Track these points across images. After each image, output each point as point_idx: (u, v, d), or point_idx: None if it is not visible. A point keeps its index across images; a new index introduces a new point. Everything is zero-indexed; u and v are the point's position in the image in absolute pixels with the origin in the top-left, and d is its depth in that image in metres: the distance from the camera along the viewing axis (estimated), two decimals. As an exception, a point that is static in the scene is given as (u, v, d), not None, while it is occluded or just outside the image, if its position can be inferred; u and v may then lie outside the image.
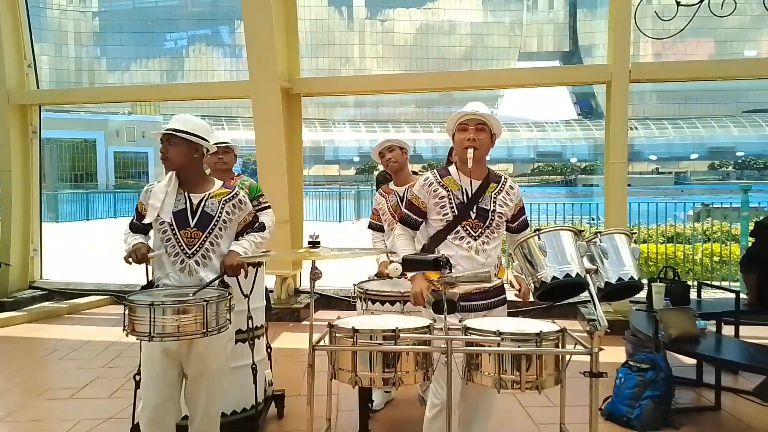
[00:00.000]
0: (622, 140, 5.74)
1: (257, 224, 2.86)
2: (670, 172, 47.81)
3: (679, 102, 54.74)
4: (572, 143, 52.86)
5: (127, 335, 2.39)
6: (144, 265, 2.68)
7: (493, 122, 2.64)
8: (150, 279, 2.72)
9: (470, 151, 2.56)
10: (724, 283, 6.80)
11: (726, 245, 7.53)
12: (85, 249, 12.82)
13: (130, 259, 2.61)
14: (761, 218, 4.77)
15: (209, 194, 2.70)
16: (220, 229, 2.68)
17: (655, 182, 36.81)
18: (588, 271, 2.28)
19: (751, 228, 4.98)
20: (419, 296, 2.58)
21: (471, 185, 2.67)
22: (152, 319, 2.31)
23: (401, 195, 3.65)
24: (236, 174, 4.00)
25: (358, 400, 3.26)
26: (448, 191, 2.66)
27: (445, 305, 2.23)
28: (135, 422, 2.84)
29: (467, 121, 2.62)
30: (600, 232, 2.47)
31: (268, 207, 3.99)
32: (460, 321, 2.35)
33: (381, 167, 3.90)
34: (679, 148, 50.36)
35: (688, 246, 7.58)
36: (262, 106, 6.22)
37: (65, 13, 58.80)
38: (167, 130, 2.62)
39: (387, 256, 3.50)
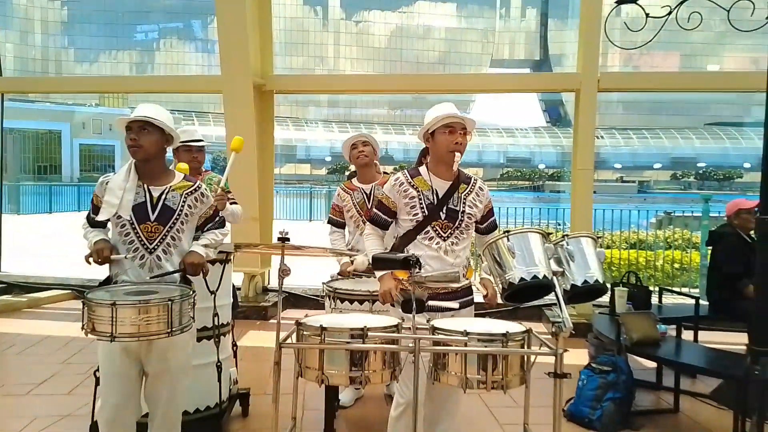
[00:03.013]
0: (589, 148, 5.86)
1: (218, 219, 2.81)
2: (634, 181, 48.87)
3: (644, 113, 56.03)
4: (541, 150, 53.70)
5: (86, 335, 2.30)
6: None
7: (470, 122, 2.67)
8: (108, 275, 2.63)
9: (458, 155, 2.59)
10: (684, 289, 6.99)
11: (686, 252, 7.73)
12: (48, 242, 12.48)
13: (91, 260, 2.52)
14: (716, 228, 4.93)
15: (170, 187, 2.62)
16: (182, 223, 2.61)
17: (620, 190, 37.55)
18: (555, 273, 2.31)
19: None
20: (387, 295, 2.58)
21: (441, 186, 2.69)
22: (114, 319, 2.22)
23: (368, 192, 3.66)
24: (204, 170, 3.96)
25: (324, 399, 3.24)
26: (418, 191, 2.68)
27: (414, 304, 2.23)
28: (94, 420, 2.78)
29: (454, 124, 2.62)
30: (567, 236, 2.52)
31: (235, 203, 3.95)
32: (427, 321, 2.35)
33: (353, 168, 3.89)
34: (643, 158, 51.59)
35: (650, 252, 7.76)
36: (234, 101, 6.15)
37: (32, 1, 57.17)
38: (142, 117, 2.54)
39: (349, 258, 3.49)
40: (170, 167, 3.45)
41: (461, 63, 63.35)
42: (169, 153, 2.87)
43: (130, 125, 2.55)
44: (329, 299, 3.30)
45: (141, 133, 2.54)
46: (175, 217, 2.59)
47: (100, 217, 2.55)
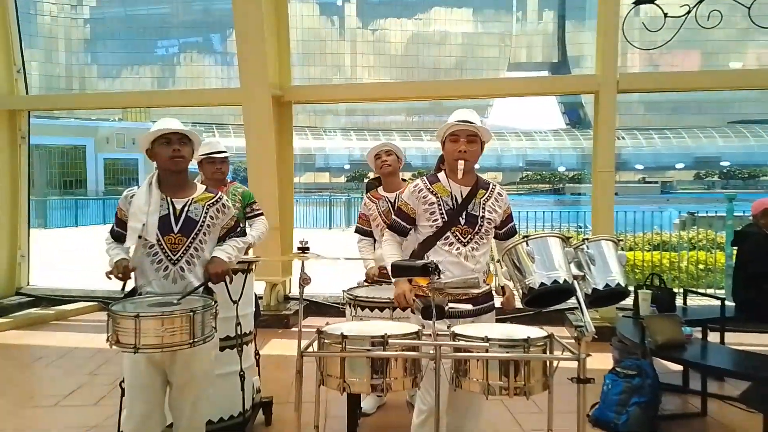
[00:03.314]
0: (609, 149, 5.80)
1: (239, 229, 2.84)
2: (657, 182, 48.25)
3: (665, 113, 55.36)
4: (560, 152, 53.30)
5: (111, 346, 2.33)
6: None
7: (483, 131, 2.66)
8: (133, 286, 2.67)
9: (461, 162, 2.59)
10: (710, 291, 6.87)
11: (711, 253, 7.60)
12: (74, 255, 12.71)
13: (112, 276, 2.55)
14: (741, 227, 4.84)
15: (192, 199, 2.66)
16: (205, 234, 2.65)
17: (642, 191, 37.11)
18: (575, 277, 2.30)
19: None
20: (401, 298, 2.58)
21: (460, 192, 2.69)
22: (137, 330, 2.25)
23: (392, 201, 3.66)
24: (229, 181, 4.02)
25: (346, 406, 3.25)
26: (437, 197, 2.68)
27: (434, 311, 2.23)
28: (120, 430, 2.82)
29: (458, 132, 2.63)
30: (587, 239, 2.50)
31: (261, 214, 4.00)
32: (448, 327, 2.35)
33: (372, 175, 3.92)
34: (666, 158, 50.91)
35: (674, 254, 7.65)
36: (253, 113, 6.22)
37: (56, 20, 58.62)
38: (181, 129, 2.60)
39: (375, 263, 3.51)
40: (196, 180, 3.53)
41: (478, 68, 63.30)
42: (193, 165, 2.93)
43: (170, 137, 2.58)
44: (350, 307, 3.32)
45: (182, 144, 2.60)
46: (197, 228, 2.63)
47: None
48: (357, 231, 3.87)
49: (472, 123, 2.63)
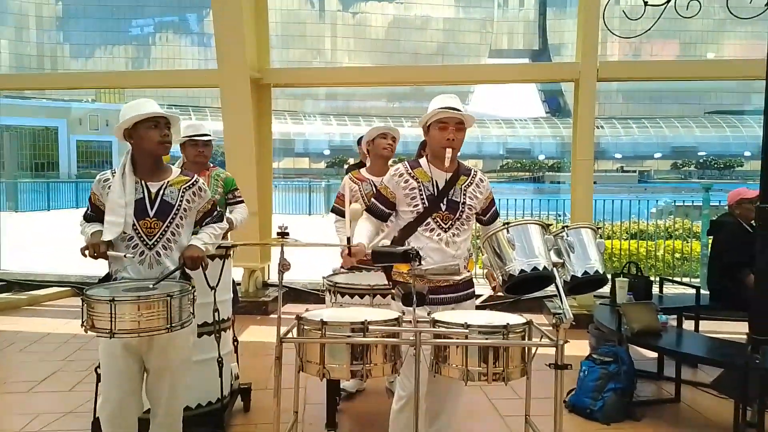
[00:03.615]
0: (589, 138, 5.84)
1: (216, 213, 2.79)
2: (635, 171, 48.85)
3: (644, 102, 55.96)
4: (540, 141, 53.59)
5: (86, 331, 2.30)
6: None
7: (468, 119, 2.64)
8: (107, 271, 2.61)
9: (449, 151, 2.57)
10: (685, 279, 6.99)
11: (687, 242, 7.73)
12: (46, 239, 12.47)
13: (87, 252, 2.49)
14: (716, 217, 4.92)
15: (168, 182, 2.60)
16: (181, 218, 2.59)
17: (620, 180, 37.56)
18: (555, 264, 2.31)
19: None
20: (347, 260, 2.58)
21: (442, 178, 2.67)
22: (113, 315, 2.22)
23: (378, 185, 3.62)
24: (211, 166, 3.95)
25: (325, 392, 3.24)
26: (418, 183, 2.66)
27: (414, 297, 2.22)
28: (96, 417, 2.77)
29: (447, 120, 2.60)
30: (567, 227, 2.51)
31: (242, 201, 3.95)
32: (428, 314, 2.35)
33: (352, 161, 3.86)
34: (644, 148, 51.50)
35: (651, 243, 7.76)
36: (231, 95, 6.12)
37: (27, -4, 56.96)
38: (167, 114, 2.54)
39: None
40: (177, 163, 3.46)
41: (459, 54, 63.15)
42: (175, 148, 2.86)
43: (158, 120, 2.52)
44: (330, 293, 3.29)
45: (168, 129, 2.56)
46: (173, 212, 2.58)
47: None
48: (333, 211, 3.79)
49: (460, 111, 2.61)
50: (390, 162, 3.82)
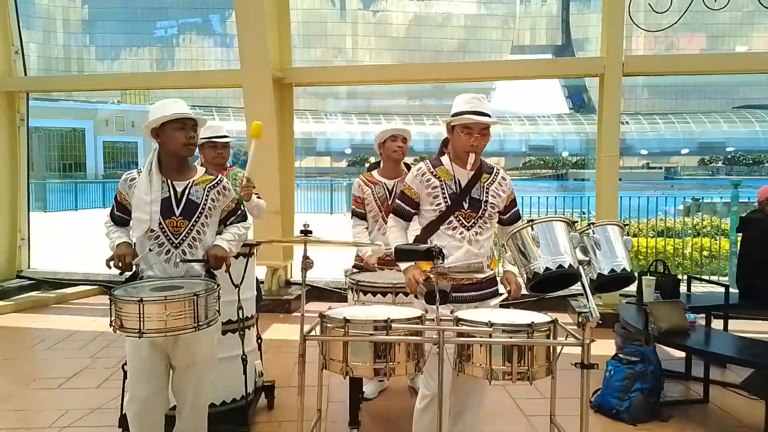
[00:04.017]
0: (614, 133, 5.75)
1: (240, 212, 2.81)
2: (661, 167, 48.02)
3: (670, 97, 54.97)
4: (564, 137, 52.93)
5: (115, 331, 2.32)
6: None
7: (494, 123, 2.62)
8: (134, 271, 2.64)
9: (472, 156, 2.56)
10: (713, 278, 6.85)
11: (715, 240, 7.57)
12: (74, 239, 12.71)
13: (112, 264, 2.52)
14: (746, 214, 4.81)
15: (193, 181, 2.63)
16: (206, 217, 2.62)
17: (646, 177, 36.96)
18: (581, 262, 2.27)
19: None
20: (413, 282, 2.55)
21: (464, 176, 2.65)
22: (141, 315, 2.24)
23: (390, 188, 3.59)
24: (229, 166, 3.98)
25: (348, 390, 3.25)
26: (441, 181, 2.65)
27: (438, 296, 2.21)
28: (123, 413, 2.81)
29: (473, 125, 2.58)
30: (593, 224, 2.47)
31: (259, 197, 3.96)
32: (451, 312, 2.33)
33: (373, 159, 3.84)
34: (670, 144, 50.57)
35: (678, 240, 7.62)
36: (254, 95, 6.16)
37: (54, 0, 58.02)
38: (194, 116, 2.57)
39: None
40: (195, 163, 3.49)
41: (481, 50, 62.70)
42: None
43: (185, 122, 2.54)
44: (352, 292, 3.30)
45: (193, 131, 2.57)
46: (199, 211, 2.61)
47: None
48: (354, 214, 3.78)
49: (489, 115, 2.58)
50: (412, 161, 3.79)
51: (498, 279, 2.73)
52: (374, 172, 3.72)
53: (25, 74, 7.35)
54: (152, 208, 2.52)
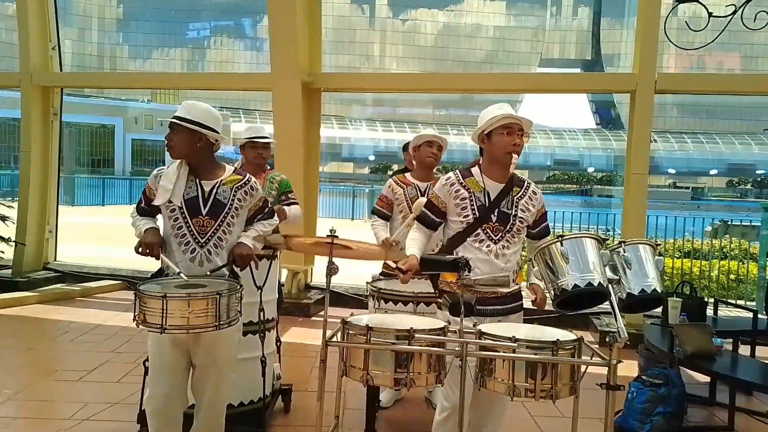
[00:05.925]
0: (644, 151, 5.67)
1: (267, 210, 2.82)
2: (688, 187, 47.24)
3: (700, 116, 54.09)
4: (590, 152, 52.39)
5: (137, 326, 2.35)
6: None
7: (527, 124, 2.61)
8: (160, 266, 2.67)
9: (514, 156, 2.55)
10: (740, 302, 6.69)
11: (743, 263, 7.41)
12: (100, 233, 12.91)
13: (140, 250, 2.56)
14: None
15: (221, 181, 2.65)
16: (233, 216, 2.64)
17: (672, 196, 36.36)
18: (610, 280, 2.23)
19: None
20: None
21: (494, 188, 2.62)
22: (164, 311, 2.27)
23: (422, 190, 3.60)
24: (268, 168, 4.03)
25: (365, 398, 3.22)
26: (470, 192, 2.62)
27: (462, 308, 2.19)
28: (142, 409, 2.83)
29: (512, 125, 2.56)
30: (624, 242, 2.42)
31: (296, 203, 3.99)
32: (474, 325, 2.30)
33: (396, 167, 3.84)
34: (698, 163, 49.75)
35: (705, 262, 7.47)
36: (283, 99, 6.20)
37: (90, -1, 59.36)
38: (173, 117, 2.59)
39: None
40: (236, 163, 3.54)
41: (509, 62, 62.49)
42: (225, 149, 2.90)
43: (169, 125, 2.61)
44: (373, 299, 3.28)
45: (172, 133, 2.60)
46: (225, 211, 2.63)
47: (156, 202, 2.59)
48: (374, 213, 3.77)
49: (523, 117, 2.56)
50: (435, 170, 3.79)
51: (523, 292, 2.70)
52: (407, 174, 3.74)
53: (61, 69, 7.50)
54: (177, 183, 2.56)
